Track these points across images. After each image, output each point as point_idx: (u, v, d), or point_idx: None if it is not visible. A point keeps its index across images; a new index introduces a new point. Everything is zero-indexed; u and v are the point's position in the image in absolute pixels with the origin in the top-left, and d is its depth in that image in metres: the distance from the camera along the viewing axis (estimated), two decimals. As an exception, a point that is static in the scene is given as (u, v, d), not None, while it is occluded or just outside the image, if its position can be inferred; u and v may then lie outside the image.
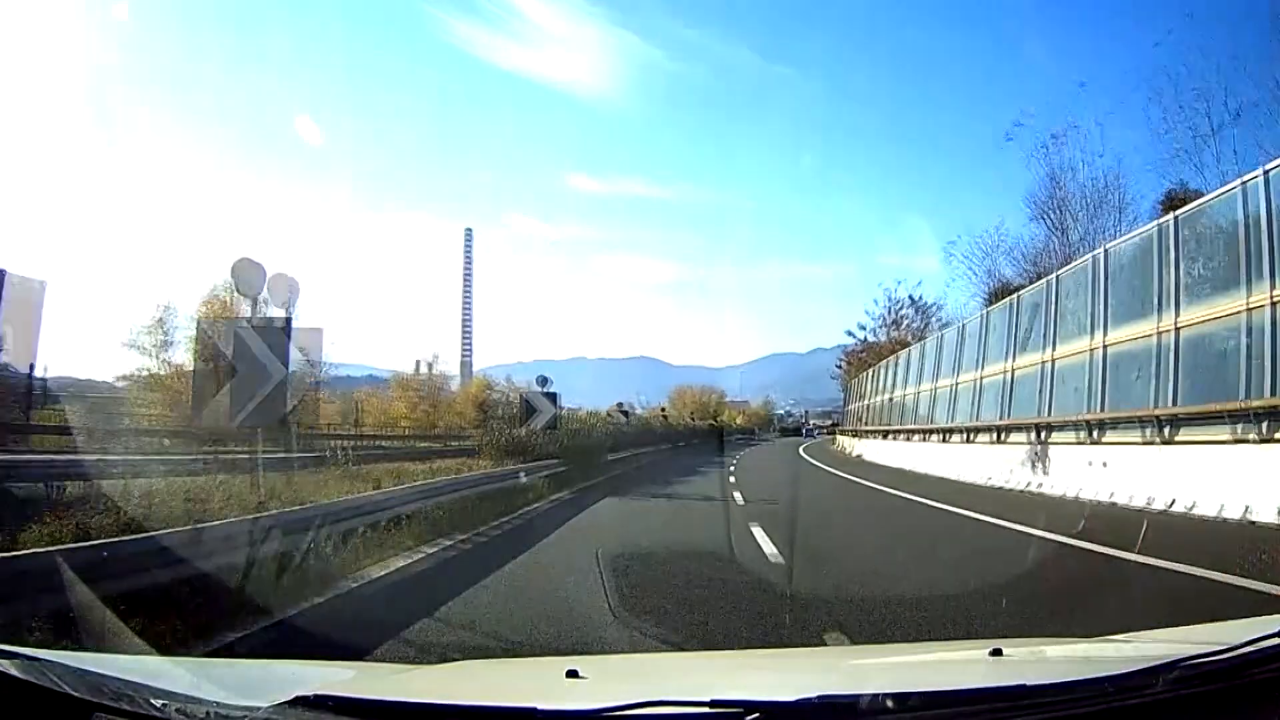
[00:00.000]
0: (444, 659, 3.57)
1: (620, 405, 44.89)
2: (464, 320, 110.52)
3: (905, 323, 41.35)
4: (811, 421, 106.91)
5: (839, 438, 45.44)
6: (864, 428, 33.35)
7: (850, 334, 47.00)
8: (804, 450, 38.40)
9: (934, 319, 37.56)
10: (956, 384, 19.96)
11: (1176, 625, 2.27)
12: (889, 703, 1.22)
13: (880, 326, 43.13)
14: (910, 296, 41.87)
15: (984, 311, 20.03)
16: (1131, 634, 2.07)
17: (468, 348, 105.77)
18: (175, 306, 19.96)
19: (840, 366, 51.56)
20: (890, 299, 42.33)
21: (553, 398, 20.00)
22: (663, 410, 52.69)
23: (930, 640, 3.86)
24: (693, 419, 48.96)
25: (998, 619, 4.35)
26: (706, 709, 1.24)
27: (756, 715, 1.20)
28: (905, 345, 31.96)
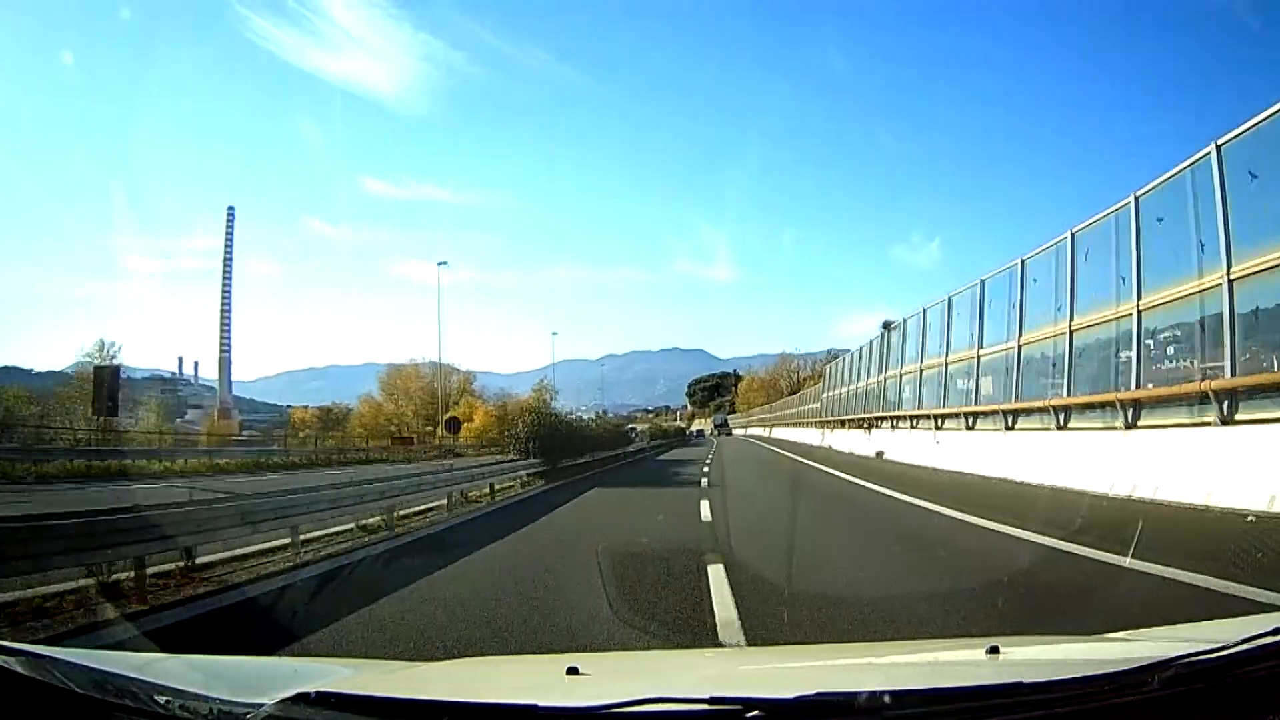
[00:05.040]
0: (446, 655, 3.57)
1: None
2: (223, 311, 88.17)
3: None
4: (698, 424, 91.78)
5: (829, 434, 31.21)
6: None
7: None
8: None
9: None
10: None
11: None
12: (886, 699, 1.23)
13: None
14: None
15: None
16: (1128, 632, 2.09)
17: (226, 344, 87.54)
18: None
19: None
20: None
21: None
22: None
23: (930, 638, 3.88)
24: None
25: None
26: (706, 705, 1.25)
27: (755, 712, 1.21)
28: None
